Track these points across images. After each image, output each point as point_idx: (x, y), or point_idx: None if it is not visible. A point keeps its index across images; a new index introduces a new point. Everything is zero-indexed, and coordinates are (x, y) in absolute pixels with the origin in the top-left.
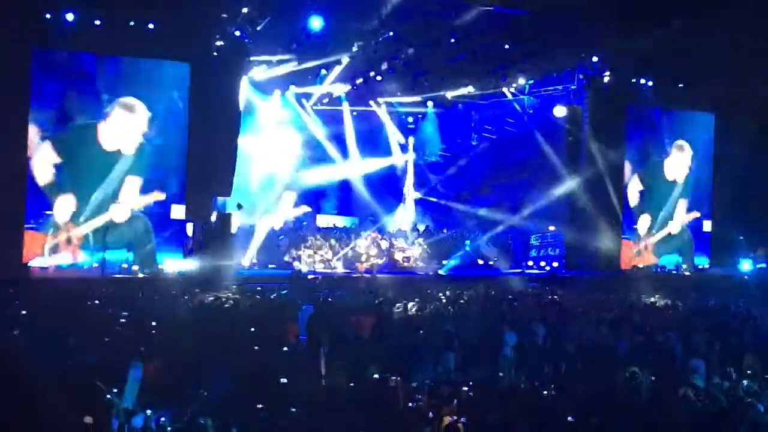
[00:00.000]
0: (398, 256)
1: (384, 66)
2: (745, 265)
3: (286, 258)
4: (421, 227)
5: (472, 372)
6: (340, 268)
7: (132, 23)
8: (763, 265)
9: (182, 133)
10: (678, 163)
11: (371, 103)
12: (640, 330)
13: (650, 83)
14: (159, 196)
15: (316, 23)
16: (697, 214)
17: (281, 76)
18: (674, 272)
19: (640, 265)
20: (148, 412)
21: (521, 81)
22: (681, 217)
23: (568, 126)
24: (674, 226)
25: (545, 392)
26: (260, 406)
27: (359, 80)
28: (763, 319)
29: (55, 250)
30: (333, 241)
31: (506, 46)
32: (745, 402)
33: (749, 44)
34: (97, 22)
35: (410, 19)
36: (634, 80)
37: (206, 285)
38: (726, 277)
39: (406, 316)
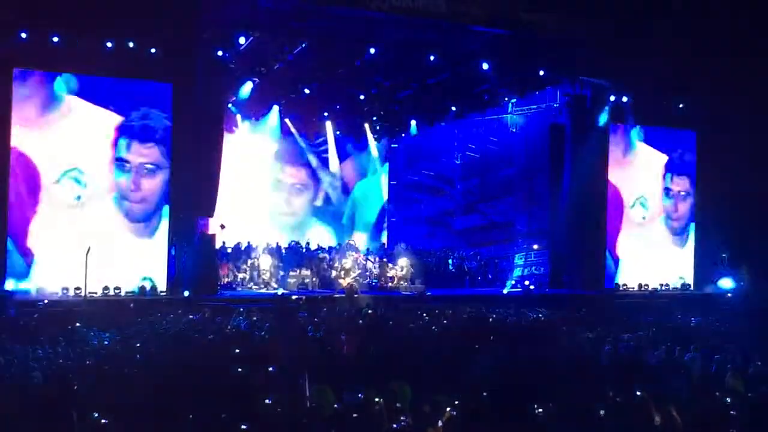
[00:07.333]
0: (382, 275)
1: (368, 86)
2: (726, 283)
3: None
4: (404, 247)
5: (457, 391)
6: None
7: (110, 44)
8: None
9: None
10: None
11: (355, 122)
12: (624, 349)
13: (632, 100)
14: None
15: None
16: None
17: (265, 96)
18: (658, 291)
19: (625, 284)
20: None
21: (504, 99)
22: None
23: (551, 144)
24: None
25: (531, 410)
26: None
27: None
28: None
29: None
30: (316, 262)
31: (485, 66)
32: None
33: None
34: (77, 43)
35: (392, 39)
36: (614, 97)
37: None
38: (709, 296)
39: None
